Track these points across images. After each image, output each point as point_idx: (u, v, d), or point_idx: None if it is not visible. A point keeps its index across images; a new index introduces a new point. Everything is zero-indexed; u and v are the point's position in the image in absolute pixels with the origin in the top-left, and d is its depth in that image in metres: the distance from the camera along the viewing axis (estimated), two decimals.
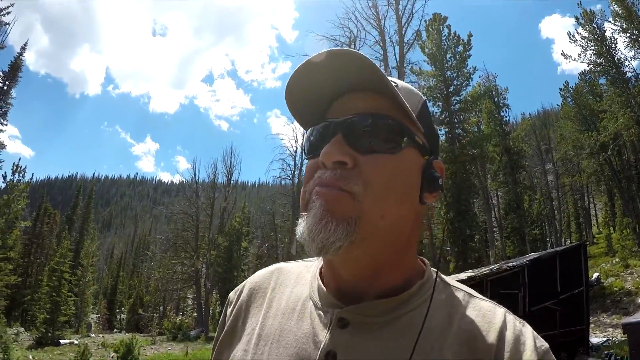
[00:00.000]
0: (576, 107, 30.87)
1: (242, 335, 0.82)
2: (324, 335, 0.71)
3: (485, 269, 12.95)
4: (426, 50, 25.58)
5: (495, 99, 28.82)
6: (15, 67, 25.94)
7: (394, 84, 0.71)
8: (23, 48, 27.01)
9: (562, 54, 28.43)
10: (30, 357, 20.20)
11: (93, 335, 31.51)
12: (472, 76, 25.95)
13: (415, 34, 20.10)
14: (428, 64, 25.73)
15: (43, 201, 44.09)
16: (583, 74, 31.74)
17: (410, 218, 0.73)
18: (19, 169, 29.01)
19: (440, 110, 25.28)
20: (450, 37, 25.99)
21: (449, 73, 25.57)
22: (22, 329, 28.20)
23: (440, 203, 26.68)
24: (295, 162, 27.57)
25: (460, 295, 0.75)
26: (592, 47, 26.84)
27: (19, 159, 41.90)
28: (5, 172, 26.82)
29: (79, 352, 18.26)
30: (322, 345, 0.70)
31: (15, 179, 28.64)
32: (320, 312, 0.75)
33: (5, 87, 25.07)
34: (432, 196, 0.75)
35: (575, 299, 11.37)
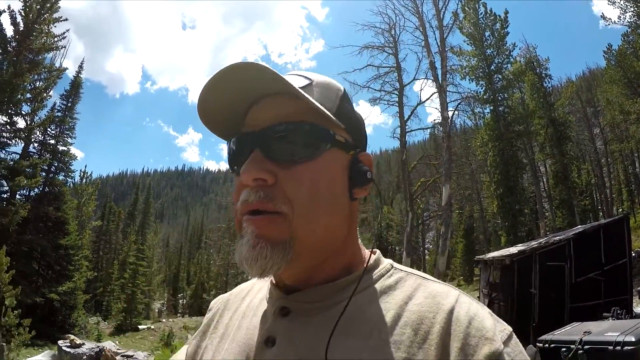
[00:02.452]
0: (620, 71, 29.47)
1: (209, 335, 0.86)
2: (268, 324, 0.74)
3: (534, 243, 13.43)
4: (464, 30, 25.69)
5: (537, 70, 28.18)
6: (76, 84, 27.71)
7: (307, 81, 0.73)
8: (80, 66, 28.66)
9: (601, 16, 27.59)
10: (117, 342, 22.14)
11: (164, 320, 33.78)
12: (512, 53, 26.14)
13: (452, 17, 20.21)
14: (468, 44, 25.92)
15: (107, 200, 47.01)
16: (626, 35, 30.48)
17: (344, 219, 0.74)
18: (85, 175, 31.35)
19: (483, 89, 25.41)
20: (487, 15, 26.14)
21: (489, 51, 25.71)
22: (100, 318, 30.70)
23: (490, 179, 27.04)
24: None
25: (411, 279, 0.73)
26: (632, 9, 25.87)
27: (85, 166, 45.05)
28: (75, 180, 28.94)
29: (163, 335, 20.15)
30: (262, 332, 0.73)
31: (83, 183, 30.94)
32: (268, 305, 0.77)
33: (69, 104, 26.99)
34: (363, 190, 0.75)
35: (619, 270, 11.61)
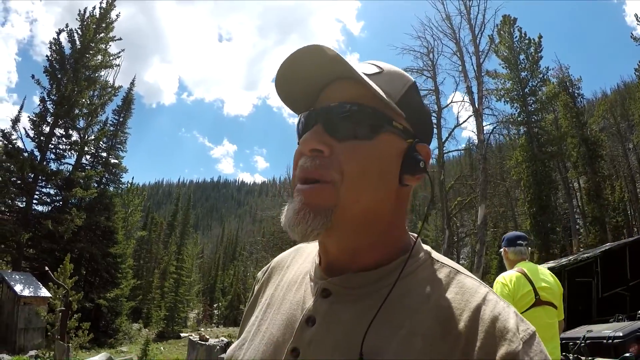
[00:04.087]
0: None
1: (258, 305, 0.91)
2: (309, 303, 0.77)
3: (564, 260, 13.99)
4: (500, 53, 26.17)
5: (570, 90, 28.02)
6: (128, 101, 29.53)
7: (378, 70, 0.77)
8: (132, 84, 30.83)
9: (631, 37, 27.22)
10: (162, 348, 23.21)
11: (202, 329, 34.73)
12: (545, 76, 26.43)
13: (488, 42, 20.64)
14: (503, 67, 26.35)
15: (149, 210, 48.77)
16: None
17: (390, 199, 0.76)
18: (132, 187, 32.84)
19: (518, 111, 25.77)
20: (522, 38, 26.59)
21: (523, 74, 26.09)
22: (141, 325, 31.87)
23: (524, 198, 27.06)
24: None
25: (445, 271, 0.75)
26: None
27: (132, 178, 46.77)
28: (123, 190, 30.34)
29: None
30: (304, 311, 0.76)
31: (130, 194, 32.37)
32: (312, 283, 0.81)
33: (121, 119, 28.75)
34: (415, 178, 0.77)
35: None
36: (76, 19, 25.09)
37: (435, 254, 0.79)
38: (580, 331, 5.11)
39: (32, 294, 17.51)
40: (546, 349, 2.00)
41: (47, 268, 12.88)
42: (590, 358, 4.26)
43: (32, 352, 15.60)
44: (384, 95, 0.73)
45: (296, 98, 0.82)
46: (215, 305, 57.31)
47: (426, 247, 0.81)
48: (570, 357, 4.40)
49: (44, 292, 17.53)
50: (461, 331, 0.65)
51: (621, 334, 4.45)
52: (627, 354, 3.98)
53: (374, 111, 0.74)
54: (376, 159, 0.73)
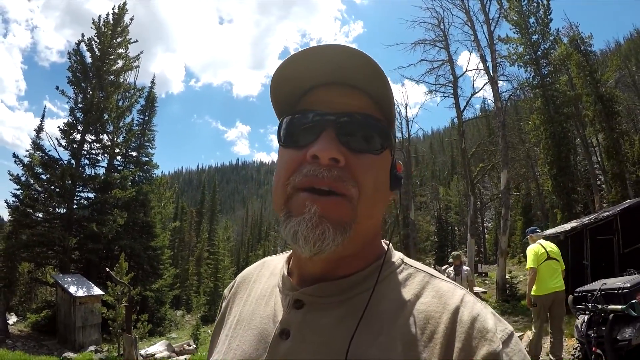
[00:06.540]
0: None
1: (227, 323, 0.87)
2: (281, 316, 0.75)
3: (585, 219, 14.38)
4: (509, 18, 25.90)
5: (581, 48, 27.52)
6: (151, 99, 30.56)
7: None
8: (152, 82, 31.73)
9: None
10: (209, 331, 24.31)
11: None
12: (556, 37, 26.28)
13: (498, 8, 20.70)
14: (514, 32, 26.15)
15: (179, 201, 50.23)
16: None
17: (384, 212, 0.77)
18: (162, 181, 33.82)
19: (532, 75, 25.67)
20: (530, 2, 26.34)
21: (534, 37, 25.91)
22: (184, 311, 33.22)
23: (544, 158, 26.89)
24: (402, 134, 28.61)
25: (419, 276, 0.74)
26: None
27: (162, 172, 47.76)
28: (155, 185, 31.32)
29: None
30: (277, 324, 0.73)
31: (161, 188, 33.40)
32: (282, 295, 0.78)
33: (146, 118, 29.83)
34: (395, 193, 0.78)
35: None
36: (91, 27, 25.66)
37: (408, 260, 0.80)
38: (596, 284, 5.96)
39: (86, 294, 18.09)
40: (552, 284, 6.66)
41: (107, 269, 13.93)
42: (604, 305, 5.23)
43: (92, 348, 16.20)
44: (395, 114, 0.73)
45: (284, 98, 0.79)
46: None
47: (398, 253, 0.81)
48: (589, 306, 5.37)
49: (96, 291, 18.31)
50: (441, 333, 0.65)
51: (629, 285, 5.35)
52: (634, 301, 4.89)
53: (384, 127, 0.73)
54: (383, 174, 0.74)
